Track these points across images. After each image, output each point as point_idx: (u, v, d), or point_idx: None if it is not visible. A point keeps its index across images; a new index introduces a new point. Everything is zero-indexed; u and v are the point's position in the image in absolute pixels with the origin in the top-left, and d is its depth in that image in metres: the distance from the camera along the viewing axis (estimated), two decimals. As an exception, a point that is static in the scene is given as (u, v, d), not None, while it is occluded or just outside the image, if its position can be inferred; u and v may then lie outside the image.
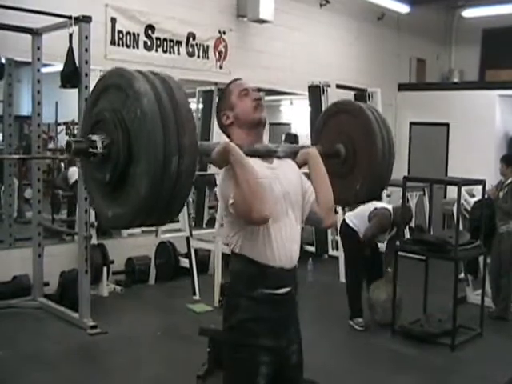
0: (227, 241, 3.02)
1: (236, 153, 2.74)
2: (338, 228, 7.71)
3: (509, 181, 7.68)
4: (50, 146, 13.02)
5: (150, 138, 2.38)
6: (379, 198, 3.50)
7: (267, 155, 3.03)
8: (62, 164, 12.49)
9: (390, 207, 7.35)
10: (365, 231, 7.10)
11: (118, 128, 2.48)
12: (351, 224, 7.23)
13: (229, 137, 3.04)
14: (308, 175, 3.16)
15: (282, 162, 3.07)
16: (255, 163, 2.88)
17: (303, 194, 3.09)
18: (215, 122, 3.32)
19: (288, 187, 2.98)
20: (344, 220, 7.40)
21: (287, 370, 3.05)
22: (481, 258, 7.65)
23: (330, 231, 10.18)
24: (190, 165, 2.47)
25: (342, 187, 3.42)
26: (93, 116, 2.65)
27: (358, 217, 7.26)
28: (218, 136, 8.49)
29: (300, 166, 3.18)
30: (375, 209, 7.19)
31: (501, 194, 7.71)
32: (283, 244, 2.92)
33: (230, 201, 2.77)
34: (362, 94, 10.73)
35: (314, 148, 3.28)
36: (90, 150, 2.50)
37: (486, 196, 7.32)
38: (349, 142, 3.65)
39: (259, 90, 3.01)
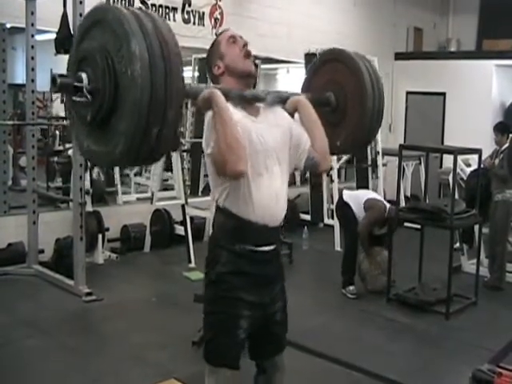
0: (211, 195, 3.03)
1: (219, 103, 2.73)
2: (335, 203, 7.73)
3: (504, 147, 7.68)
4: (45, 113, 12.97)
5: (135, 104, 2.39)
6: (365, 150, 3.43)
7: (254, 101, 3.03)
8: (57, 132, 12.45)
9: (386, 204, 7.30)
10: (360, 225, 7.09)
11: (106, 75, 2.47)
12: (347, 199, 7.24)
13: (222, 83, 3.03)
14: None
15: (267, 115, 3.04)
16: (239, 116, 2.87)
17: (296, 143, 3.08)
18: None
19: (273, 142, 2.96)
20: (341, 196, 7.42)
21: (272, 326, 3.09)
22: (476, 228, 7.67)
23: (325, 200, 10.17)
24: (170, 135, 2.51)
25: (330, 136, 3.43)
26: (80, 51, 2.63)
27: (353, 198, 7.27)
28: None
29: (290, 114, 3.18)
30: (373, 198, 7.19)
31: (496, 161, 7.70)
32: (266, 200, 2.91)
33: (208, 150, 2.78)
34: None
35: (304, 96, 3.28)
36: (76, 84, 2.50)
37: (482, 165, 7.32)
38: (340, 91, 3.63)
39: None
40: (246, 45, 3.02)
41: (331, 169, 9.65)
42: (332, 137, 3.36)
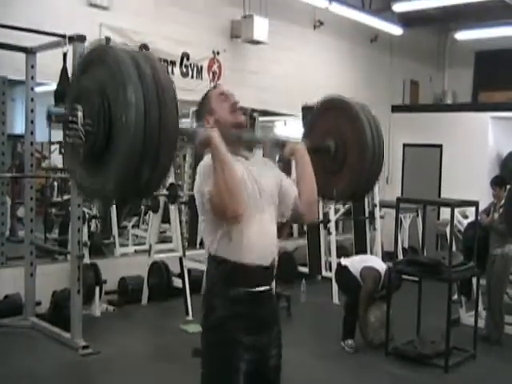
0: (205, 244, 3.05)
1: (218, 146, 2.78)
2: (333, 271, 7.77)
3: (502, 202, 7.69)
4: (43, 164, 13.00)
5: (127, 149, 2.44)
6: (361, 201, 3.42)
7: (252, 143, 3.08)
8: (56, 183, 12.48)
9: (381, 266, 7.29)
10: (360, 295, 7.09)
11: (101, 118, 2.51)
12: (346, 263, 7.27)
13: None
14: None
15: (258, 160, 3.12)
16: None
17: (284, 192, 3.13)
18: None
19: (263, 185, 3.02)
20: (339, 263, 7.46)
21: (266, 371, 3.07)
22: (474, 279, 7.65)
23: (323, 252, 10.15)
24: (161, 179, 2.61)
25: (328, 183, 3.50)
26: (79, 88, 2.70)
27: (351, 263, 7.31)
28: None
29: (286, 160, 3.29)
30: (368, 268, 7.19)
31: (495, 215, 7.71)
32: (257, 241, 2.94)
33: (207, 196, 2.82)
34: (355, 115, 10.75)
35: (303, 143, 3.34)
36: (70, 119, 2.56)
37: (479, 218, 7.33)
38: (341, 140, 3.67)
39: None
40: (235, 103, 3.07)
41: (329, 221, 9.67)
42: (329, 185, 3.43)
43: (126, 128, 2.43)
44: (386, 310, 6.92)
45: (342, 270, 7.33)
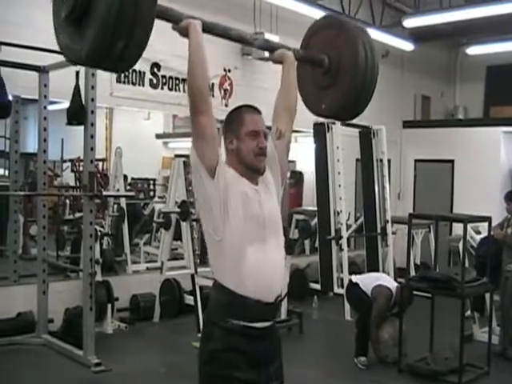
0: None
1: (197, 37, 2.88)
2: (345, 288, 7.76)
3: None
4: (56, 183, 13.06)
5: (102, 16, 2.52)
6: (349, 120, 3.40)
7: (241, 42, 3.13)
8: (68, 201, 12.52)
9: (392, 284, 7.28)
10: (372, 314, 7.07)
11: None
12: (357, 281, 7.25)
13: (227, 156, 3.06)
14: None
15: (265, 185, 3.05)
16: (241, 182, 2.93)
17: (280, 154, 3.21)
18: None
19: (271, 214, 2.97)
20: (350, 280, 7.44)
21: None
22: (487, 295, 7.61)
23: (335, 269, 10.10)
24: (135, 54, 2.67)
25: (318, 97, 3.60)
26: None
27: (361, 280, 7.30)
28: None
29: (274, 61, 3.41)
30: (379, 286, 7.17)
31: (509, 230, 7.70)
32: (261, 274, 2.86)
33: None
34: (366, 131, 10.77)
35: (292, 52, 3.41)
36: None
37: (491, 233, 7.31)
38: (334, 56, 3.69)
39: (266, 127, 3.04)
40: (263, 148, 3.00)
41: (340, 238, 9.65)
42: (318, 99, 3.49)
43: None
44: (399, 328, 6.89)
45: (353, 287, 7.31)
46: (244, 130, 3.00)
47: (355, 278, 7.36)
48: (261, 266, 2.86)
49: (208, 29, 3.02)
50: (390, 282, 7.30)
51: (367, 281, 7.26)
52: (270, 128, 3.22)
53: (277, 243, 2.97)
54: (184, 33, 2.90)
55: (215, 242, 2.91)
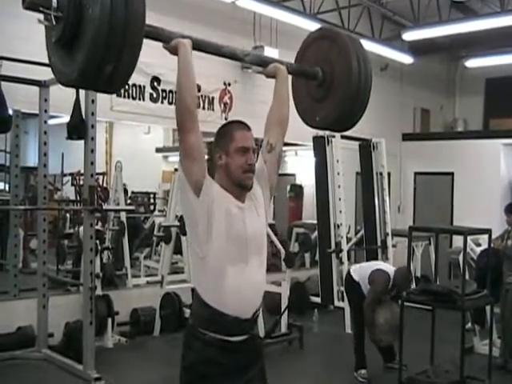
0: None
1: (186, 56, 2.95)
2: (344, 277, 7.72)
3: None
4: (56, 196, 13.07)
5: (92, 40, 2.54)
6: (344, 131, 3.40)
7: (232, 58, 3.14)
8: (68, 215, 12.53)
9: (391, 269, 7.27)
10: (365, 301, 7.06)
11: (70, 6, 2.59)
12: (355, 276, 7.22)
13: (215, 171, 3.07)
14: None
15: (252, 202, 3.06)
16: (227, 198, 2.94)
17: (269, 169, 3.21)
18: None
19: (252, 231, 2.98)
20: (349, 271, 7.40)
21: None
22: (488, 308, 7.60)
23: (335, 282, 10.09)
24: (125, 74, 2.72)
25: (312, 109, 3.67)
26: None
27: (360, 271, 7.26)
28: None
29: (267, 76, 3.42)
30: (377, 270, 7.16)
31: (509, 242, 7.70)
32: (239, 292, 2.90)
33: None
34: (366, 145, 10.79)
35: (285, 65, 3.45)
36: (42, 8, 2.61)
37: (492, 245, 7.31)
38: (328, 68, 3.71)
39: (257, 139, 3.06)
40: (252, 164, 3.02)
41: (341, 251, 9.65)
42: (313, 111, 3.48)
43: (92, 20, 2.53)
44: (400, 313, 6.82)
45: (351, 284, 7.24)
46: (233, 146, 3.02)
47: (355, 273, 7.28)
48: (241, 286, 2.91)
49: (200, 47, 3.07)
50: (388, 267, 7.31)
51: (363, 270, 7.25)
52: (260, 140, 3.24)
53: (259, 261, 3.02)
54: (174, 52, 2.96)
55: (199, 259, 2.94)
